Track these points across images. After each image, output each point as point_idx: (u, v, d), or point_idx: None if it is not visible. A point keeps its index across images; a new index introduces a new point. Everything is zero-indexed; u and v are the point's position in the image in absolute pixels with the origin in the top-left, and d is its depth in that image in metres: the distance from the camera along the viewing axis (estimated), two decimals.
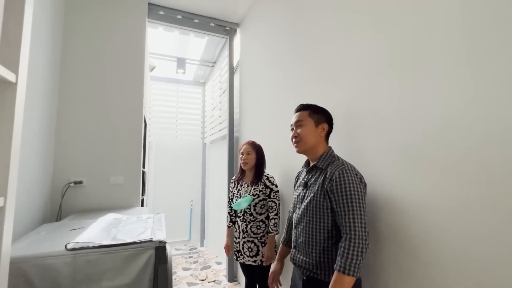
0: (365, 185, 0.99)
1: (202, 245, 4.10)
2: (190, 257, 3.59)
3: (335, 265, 0.87)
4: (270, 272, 1.32)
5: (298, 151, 1.12)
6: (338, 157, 1.06)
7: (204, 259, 3.50)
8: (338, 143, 1.24)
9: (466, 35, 0.76)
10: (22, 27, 0.68)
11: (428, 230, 0.84)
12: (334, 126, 1.15)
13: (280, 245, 1.33)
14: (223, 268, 3.12)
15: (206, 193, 4.25)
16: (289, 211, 1.34)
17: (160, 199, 4.12)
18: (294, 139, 1.12)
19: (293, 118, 1.15)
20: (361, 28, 1.16)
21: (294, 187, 1.24)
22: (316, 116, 1.10)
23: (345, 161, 1.02)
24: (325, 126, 1.10)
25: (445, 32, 0.81)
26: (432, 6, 0.86)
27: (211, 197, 4.00)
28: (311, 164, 1.11)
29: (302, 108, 1.14)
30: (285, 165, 1.78)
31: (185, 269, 3.18)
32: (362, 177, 0.99)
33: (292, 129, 1.15)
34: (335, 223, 0.96)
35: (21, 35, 0.68)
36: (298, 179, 1.24)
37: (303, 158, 1.20)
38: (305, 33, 1.60)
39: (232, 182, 1.95)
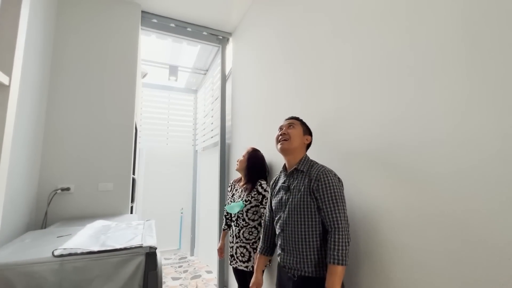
0: (342, 184, 1.08)
1: (192, 254, 4.02)
2: (179, 267, 3.52)
3: (327, 259, 0.94)
4: (251, 285, 1.26)
5: (282, 148, 1.18)
6: (315, 162, 1.16)
7: (194, 268, 3.43)
8: (320, 150, 1.31)
9: (450, 46, 0.81)
10: (17, 30, 0.68)
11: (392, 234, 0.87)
12: (322, 133, 1.29)
13: (258, 255, 1.30)
14: (213, 277, 3.07)
15: (197, 201, 4.20)
16: (264, 220, 1.35)
17: (150, 206, 4.04)
18: (281, 136, 1.20)
19: (285, 122, 1.25)
20: (351, 37, 1.21)
21: (272, 194, 1.28)
22: (305, 126, 1.25)
23: (323, 165, 1.13)
24: (309, 137, 1.24)
25: (429, 42, 0.87)
26: (418, 22, 0.92)
27: (202, 205, 3.96)
28: (291, 169, 1.18)
29: (295, 117, 1.27)
30: (277, 171, 1.80)
31: (174, 278, 3.11)
32: (340, 178, 1.09)
33: (280, 129, 1.23)
34: (322, 220, 1.04)
35: (16, 38, 0.68)
36: (276, 185, 1.28)
37: None
38: (297, 43, 1.65)
39: (229, 186, 2.00)
